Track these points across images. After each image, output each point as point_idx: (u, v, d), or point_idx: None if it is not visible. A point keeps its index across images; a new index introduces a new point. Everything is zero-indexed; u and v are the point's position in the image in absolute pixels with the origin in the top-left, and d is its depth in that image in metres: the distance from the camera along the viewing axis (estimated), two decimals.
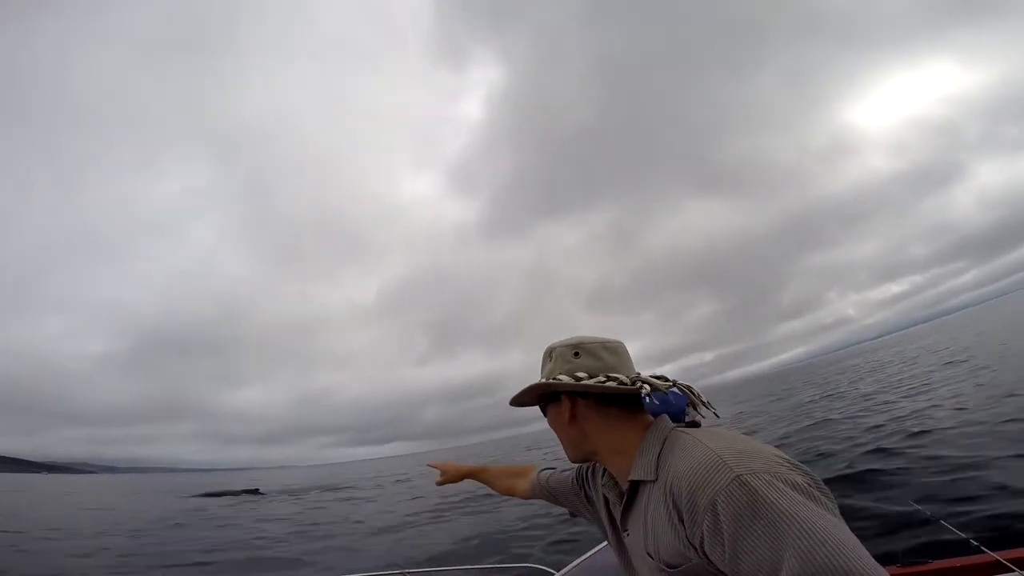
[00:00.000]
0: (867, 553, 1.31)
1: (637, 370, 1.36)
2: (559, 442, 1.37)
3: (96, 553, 9.01)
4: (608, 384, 1.34)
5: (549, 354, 1.38)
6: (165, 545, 9.75)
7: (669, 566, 1.28)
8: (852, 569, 1.24)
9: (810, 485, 1.32)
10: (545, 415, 1.37)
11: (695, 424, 1.51)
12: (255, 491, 22.97)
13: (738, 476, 1.29)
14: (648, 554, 1.29)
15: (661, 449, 1.33)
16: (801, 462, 1.36)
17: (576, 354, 1.36)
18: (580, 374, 1.35)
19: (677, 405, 1.58)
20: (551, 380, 1.37)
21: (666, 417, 1.36)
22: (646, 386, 1.35)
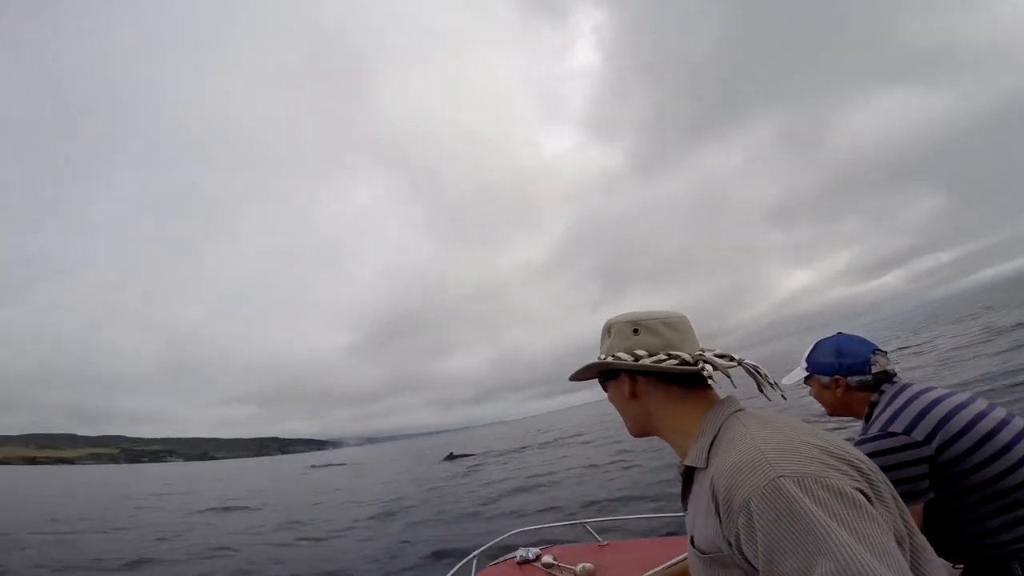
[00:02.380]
0: (904, 566, 1.27)
1: (701, 347, 1.30)
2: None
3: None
4: (667, 363, 1.29)
5: (608, 330, 1.33)
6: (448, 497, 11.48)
7: (702, 552, 1.25)
8: None
9: (858, 489, 1.26)
10: (605, 390, 1.35)
11: (887, 377, 1.48)
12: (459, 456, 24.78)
13: (776, 478, 1.24)
14: (691, 537, 1.26)
15: (716, 435, 1.28)
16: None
17: (635, 331, 1.31)
18: (639, 352, 1.30)
19: (857, 356, 1.50)
20: (609, 358, 1.32)
21: (732, 399, 1.31)
22: (708, 366, 1.28)
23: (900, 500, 1.36)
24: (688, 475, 1.30)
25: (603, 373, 1.35)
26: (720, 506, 1.26)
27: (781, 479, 1.25)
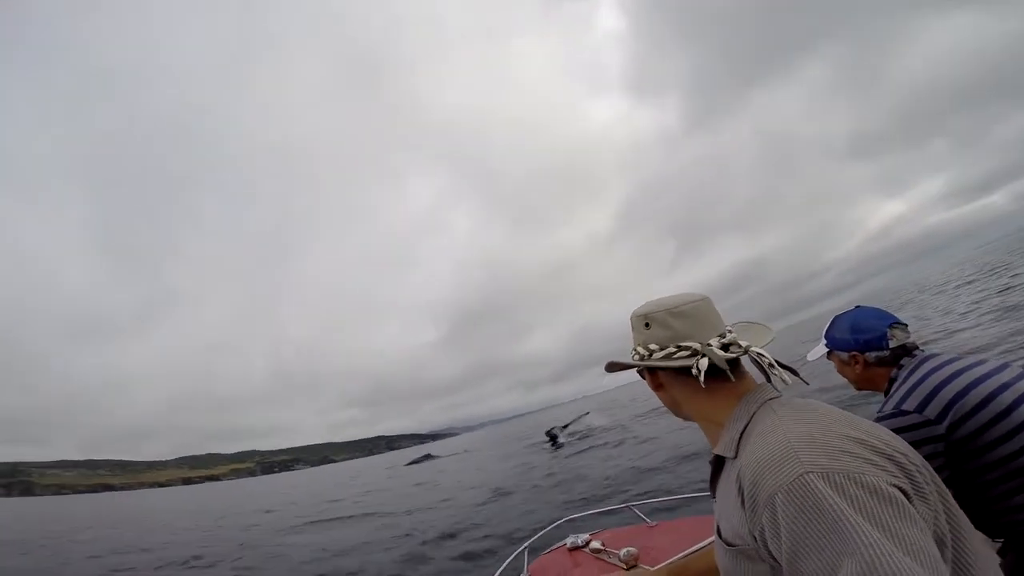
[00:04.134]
0: (941, 567, 1.25)
1: (725, 327, 1.28)
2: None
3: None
4: (677, 357, 1.28)
5: (632, 324, 1.33)
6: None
7: (729, 544, 1.26)
8: (903, 572, 1.20)
9: (896, 486, 1.24)
10: (643, 378, 1.34)
11: (905, 351, 1.42)
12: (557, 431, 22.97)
13: (804, 474, 1.23)
14: (717, 527, 1.27)
15: (747, 425, 1.26)
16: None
17: (647, 325, 1.30)
18: (652, 346, 1.30)
19: (873, 331, 1.45)
20: (634, 355, 1.33)
21: (765, 386, 1.28)
22: (703, 361, 1.27)
23: (945, 492, 1.33)
24: (718, 464, 1.28)
25: (627, 367, 1.32)
26: (746, 500, 1.25)
27: (809, 475, 1.22)
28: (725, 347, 1.25)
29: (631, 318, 1.29)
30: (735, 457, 1.24)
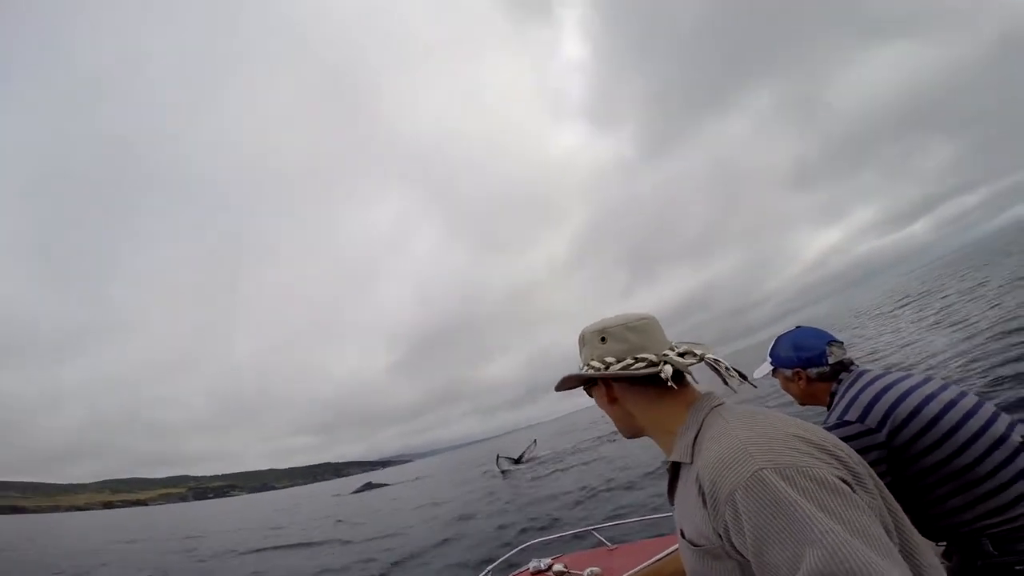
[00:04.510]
0: (892, 550, 1.32)
1: (671, 342, 1.37)
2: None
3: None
4: (635, 367, 1.35)
5: (581, 340, 1.40)
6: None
7: (694, 544, 1.32)
8: (870, 572, 1.26)
9: (840, 477, 1.31)
10: (591, 396, 1.40)
11: (843, 366, 1.56)
12: (517, 459, 23.99)
13: (759, 470, 1.29)
14: (681, 530, 1.32)
15: (699, 430, 1.34)
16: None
17: (603, 339, 1.37)
18: (609, 359, 1.37)
19: (813, 349, 1.59)
20: (585, 368, 1.39)
21: (711, 394, 1.37)
22: (667, 367, 1.35)
23: (887, 493, 1.41)
24: (674, 471, 1.34)
25: (584, 381, 1.38)
26: (707, 500, 1.31)
27: (763, 471, 1.29)
28: (681, 355, 1.33)
29: (584, 334, 1.34)
30: (691, 462, 1.29)
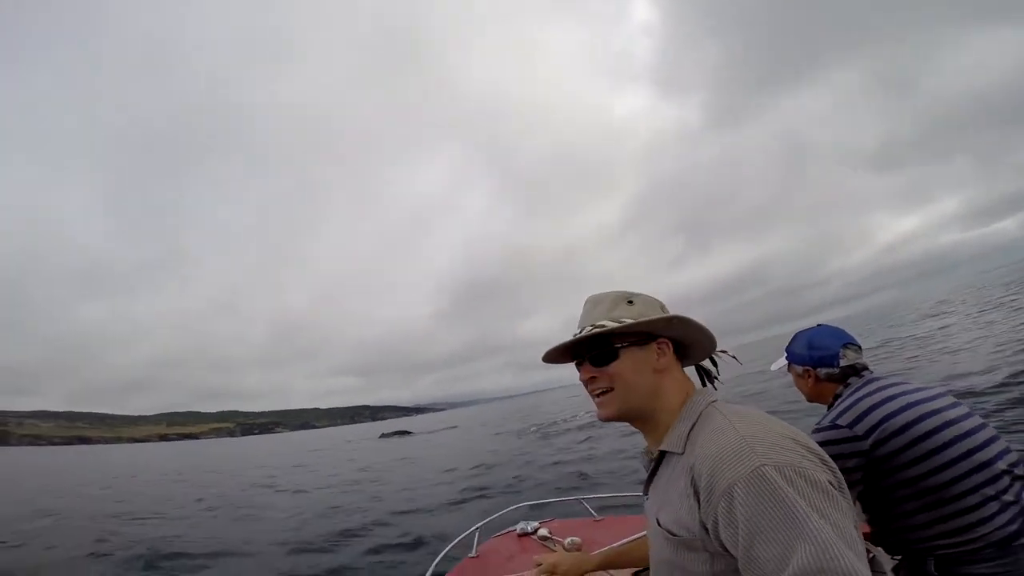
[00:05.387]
0: (865, 556, 1.31)
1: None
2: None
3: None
4: (666, 326, 1.25)
5: (595, 303, 1.26)
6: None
7: (671, 534, 1.27)
8: (850, 571, 1.26)
9: (831, 484, 1.30)
10: (602, 364, 1.25)
11: (854, 370, 1.62)
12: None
13: (760, 466, 1.26)
14: (656, 520, 1.27)
15: (695, 423, 1.27)
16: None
17: (630, 302, 1.25)
18: (642, 318, 1.25)
19: (827, 350, 1.66)
20: (588, 330, 1.25)
21: (709, 390, 1.29)
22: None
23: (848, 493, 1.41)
24: (658, 460, 1.32)
25: (612, 342, 1.26)
26: (701, 492, 1.30)
27: (764, 467, 1.30)
28: None
29: (598, 296, 1.26)
30: (682, 453, 1.29)
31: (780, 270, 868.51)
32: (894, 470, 1.48)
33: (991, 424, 1.51)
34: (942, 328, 18.89)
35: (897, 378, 1.59)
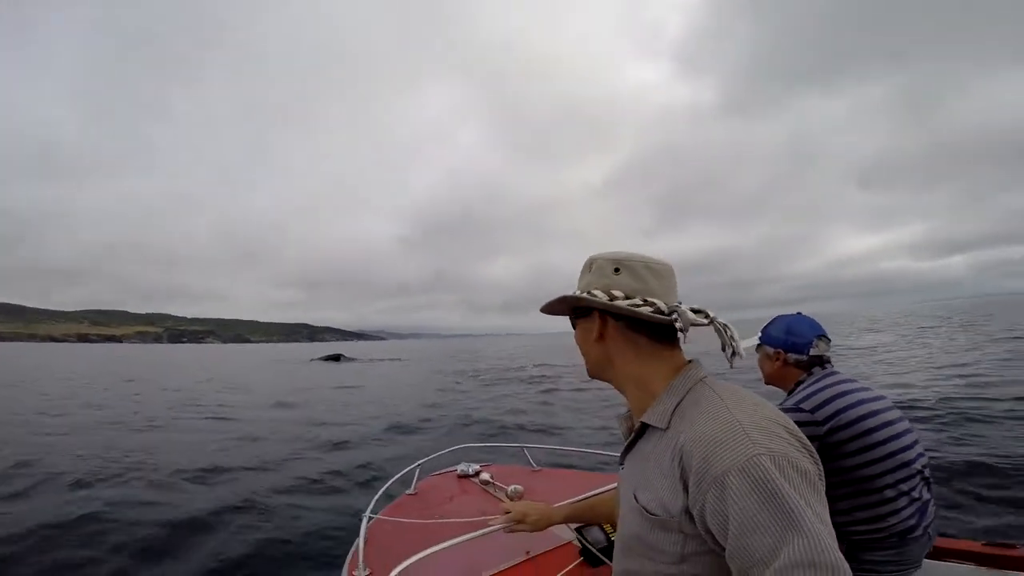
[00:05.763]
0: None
1: (679, 300, 1.28)
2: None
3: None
4: (642, 309, 1.22)
5: (589, 265, 1.30)
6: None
7: (649, 512, 1.22)
8: (838, 566, 1.17)
9: (816, 474, 1.20)
10: (574, 327, 1.33)
11: (820, 361, 1.84)
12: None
13: (756, 455, 1.18)
14: (633, 495, 1.24)
15: (682, 399, 1.23)
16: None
17: (616, 270, 1.26)
18: (616, 292, 1.24)
19: (802, 337, 1.84)
20: (584, 294, 1.27)
21: (698, 363, 1.28)
22: (680, 319, 1.22)
23: None
24: (640, 432, 1.28)
25: (575, 309, 1.32)
26: (690, 476, 1.18)
27: (760, 456, 1.19)
28: (695, 312, 1.29)
29: (595, 260, 1.31)
30: (666, 429, 1.24)
31: (741, 262, 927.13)
32: (835, 458, 1.68)
33: (914, 430, 1.77)
34: (874, 347, 21.27)
35: (851, 376, 1.82)
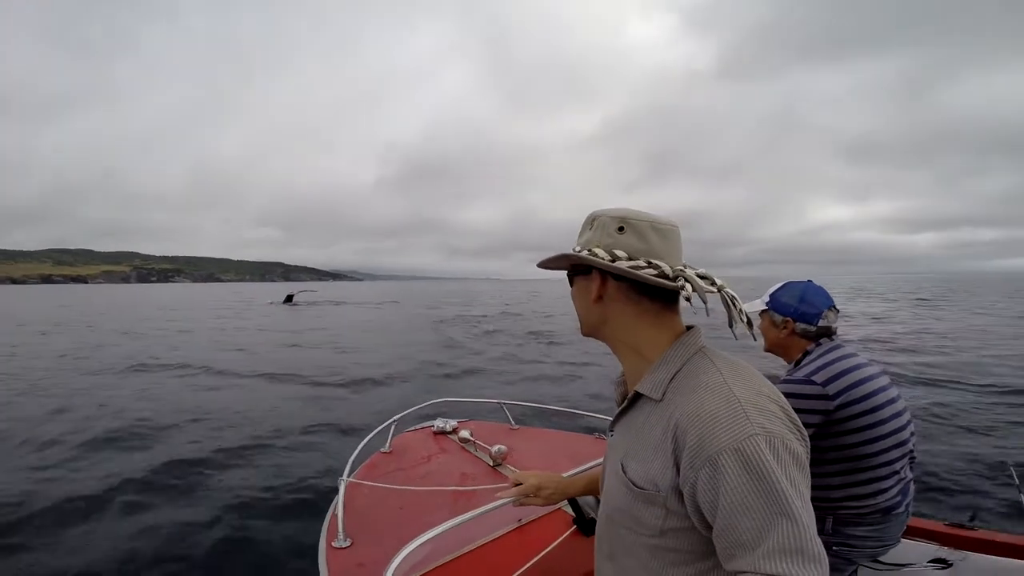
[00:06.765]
0: None
1: (685, 262, 1.26)
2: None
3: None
4: (645, 272, 1.19)
5: (591, 221, 1.27)
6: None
7: (636, 485, 1.22)
8: (823, 556, 1.13)
9: (804, 455, 1.25)
10: (571, 284, 1.31)
11: (827, 332, 1.78)
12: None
13: (751, 436, 1.18)
14: (621, 465, 1.25)
15: (679, 370, 1.21)
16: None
17: (620, 228, 1.23)
18: (619, 252, 1.21)
19: (814, 307, 1.78)
20: (585, 252, 1.24)
21: (698, 331, 1.27)
22: (688, 285, 1.19)
23: None
24: (632, 400, 1.27)
25: (574, 266, 1.29)
26: (683, 452, 1.17)
27: (756, 437, 1.16)
28: (701, 278, 1.25)
29: (598, 216, 1.27)
30: (661, 399, 1.24)
31: (717, 222, 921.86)
32: (839, 433, 1.66)
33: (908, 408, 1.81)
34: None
35: (858, 349, 1.81)
